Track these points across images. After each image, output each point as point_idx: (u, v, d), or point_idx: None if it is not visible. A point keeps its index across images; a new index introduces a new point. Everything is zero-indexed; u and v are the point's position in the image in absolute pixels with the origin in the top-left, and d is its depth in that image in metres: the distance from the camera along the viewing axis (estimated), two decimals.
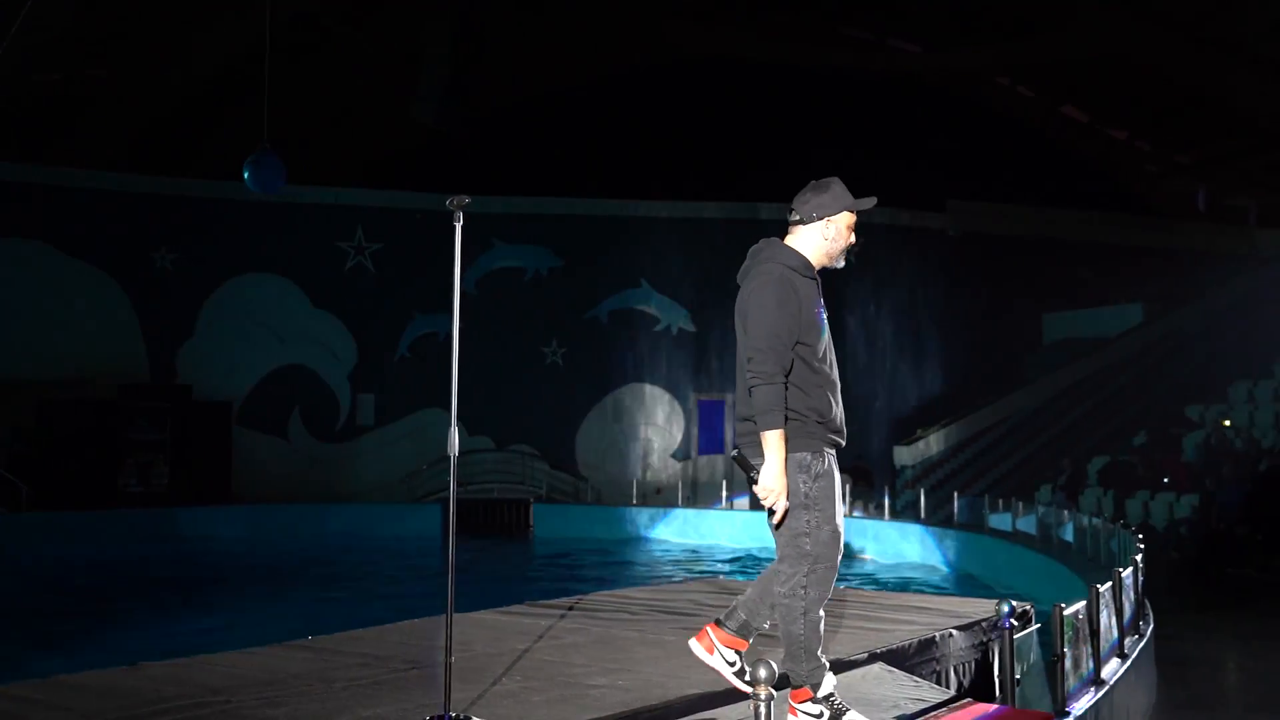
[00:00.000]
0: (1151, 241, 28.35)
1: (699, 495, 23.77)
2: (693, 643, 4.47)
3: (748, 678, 4.20)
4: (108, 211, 22.84)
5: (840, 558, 4.28)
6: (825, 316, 4.33)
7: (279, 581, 15.14)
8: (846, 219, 4.35)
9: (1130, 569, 7.75)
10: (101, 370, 22.08)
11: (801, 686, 4.22)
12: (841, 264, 4.41)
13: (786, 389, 4.12)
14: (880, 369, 25.54)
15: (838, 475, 4.30)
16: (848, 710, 4.22)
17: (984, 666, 6.18)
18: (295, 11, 20.78)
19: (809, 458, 4.17)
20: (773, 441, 4.05)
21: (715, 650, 4.38)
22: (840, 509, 4.28)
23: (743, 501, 21.93)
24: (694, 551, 19.12)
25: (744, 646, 4.38)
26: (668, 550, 19.63)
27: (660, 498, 23.28)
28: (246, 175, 16.18)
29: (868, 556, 17.54)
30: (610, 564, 17.27)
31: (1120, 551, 10.69)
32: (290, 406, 23.93)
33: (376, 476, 23.51)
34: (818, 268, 4.35)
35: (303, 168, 20.77)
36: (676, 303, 25.15)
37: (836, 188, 4.34)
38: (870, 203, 4.38)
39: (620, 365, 25.13)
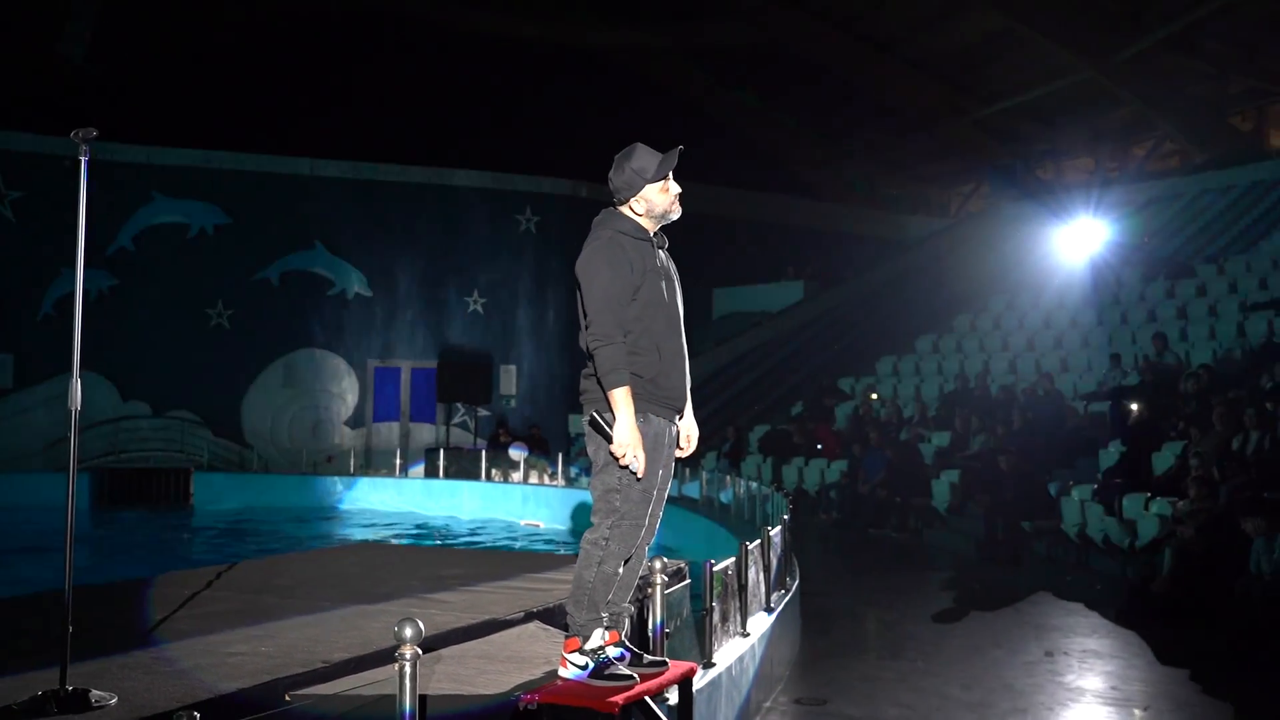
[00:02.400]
0: (814, 223, 30.06)
1: (373, 463, 23.26)
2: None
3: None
4: None
5: (649, 518, 4.39)
6: (669, 281, 4.39)
7: None
8: (653, 188, 4.42)
9: (778, 528, 8.16)
10: None
11: (573, 636, 4.31)
12: (677, 214, 4.47)
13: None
14: (555, 339, 25.68)
15: (665, 438, 4.34)
16: (612, 664, 4.25)
17: (640, 622, 6.33)
18: None
19: None
20: (620, 399, 4.11)
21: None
22: (658, 470, 4.33)
23: (417, 469, 21.67)
24: (364, 520, 18.72)
25: (616, 638, 4.38)
26: (336, 518, 19.15)
27: (331, 466, 22.63)
28: None
29: (539, 523, 17.71)
30: (273, 533, 16.65)
31: (774, 514, 11.25)
32: None
33: (17, 443, 21.62)
34: (655, 227, 4.45)
35: None
36: (353, 266, 24.41)
37: (628, 165, 4.43)
38: (672, 161, 4.41)
39: (291, 329, 24.15)
